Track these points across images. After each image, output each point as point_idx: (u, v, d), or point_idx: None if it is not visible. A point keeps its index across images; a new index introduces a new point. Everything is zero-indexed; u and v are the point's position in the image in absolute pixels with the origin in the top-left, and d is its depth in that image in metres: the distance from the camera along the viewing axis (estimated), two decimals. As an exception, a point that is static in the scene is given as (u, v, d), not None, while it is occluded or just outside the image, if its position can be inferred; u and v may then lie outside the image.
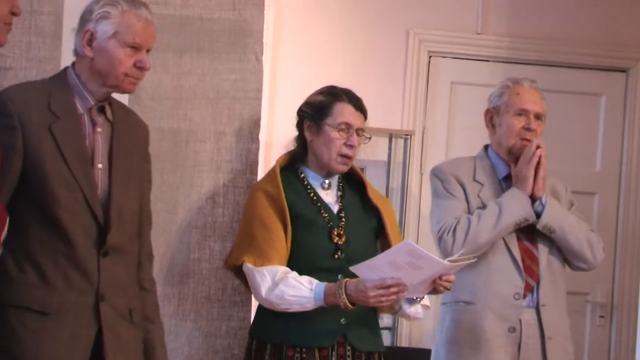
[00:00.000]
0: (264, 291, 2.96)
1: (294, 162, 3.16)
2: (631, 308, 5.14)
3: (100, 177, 2.69)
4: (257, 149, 3.36)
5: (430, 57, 5.20)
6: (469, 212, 3.46)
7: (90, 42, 2.68)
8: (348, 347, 3.00)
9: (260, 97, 3.38)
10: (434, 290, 2.98)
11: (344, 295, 2.89)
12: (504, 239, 3.43)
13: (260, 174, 3.35)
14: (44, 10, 3.07)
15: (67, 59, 3.02)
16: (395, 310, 3.12)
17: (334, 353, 2.98)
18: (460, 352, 3.46)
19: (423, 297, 3.07)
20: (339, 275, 2.97)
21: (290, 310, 2.94)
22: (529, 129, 3.47)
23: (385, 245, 3.11)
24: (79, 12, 2.71)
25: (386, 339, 4.97)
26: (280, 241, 2.99)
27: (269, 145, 4.79)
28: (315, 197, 3.09)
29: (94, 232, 2.64)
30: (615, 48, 5.28)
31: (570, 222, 3.48)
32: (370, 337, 3.08)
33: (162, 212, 3.21)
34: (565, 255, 3.51)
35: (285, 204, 3.02)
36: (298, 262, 3.00)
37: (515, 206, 3.40)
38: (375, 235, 3.16)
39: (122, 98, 2.89)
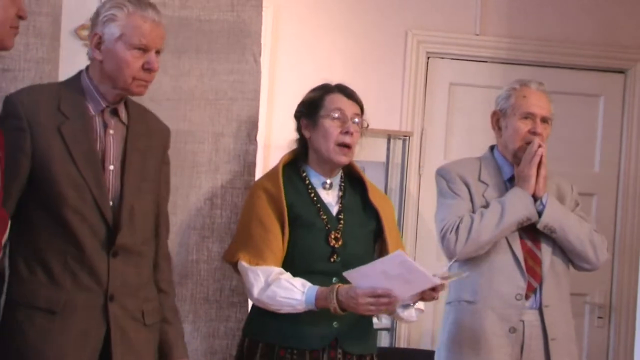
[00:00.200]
0: (256, 291, 2.96)
1: (296, 161, 3.16)
2: (629, 309, 5.14)
3: (112, 179, 2.69)
4: (255, 150, 3.36)
5: (428, 58, 5.19)
6: (473, 212, 3.45)
7: (98, 45, 2.69)
8: (339, 350, 3.00)
9: (258, 99, 3.38)
10: (422, 298, 2.97)
11: (335, 300, 2.88)
12: (506, 239, 3.43)
13: (258, 175, 3.34)
14: (42, 12, 3.07)
15: (65, 60, 3.02)
16: (390, 312, 3.11)
17: (325, 356, 2.98)
18: (460, 351, 3.46)
19: (416, 302, 3.06)
20: (334, 279, 2.96)
21: (282, 312, 2.94)
22: (535, 133, 3.46)
23: (383, 248, 3.11)
24: (77, 14, 2.72)
25: (385, 339, 4.97)
26: (277, 241, 2.99)
27: (267, 147, 4.79)
28: (315, 198, 3.09)
29: (103, 233, 2.64)
30: (613, 49, 5.29)
31: (571, 222, 3.47)
32: (363, 340, 3.07)
33: (161, 213, 3.21)
34: (568, 255, 3.50)
35: (285, 204, 3.01)
36: (294, 263, 3.00)
37: (518, 205, 3.40)
38: (374, 238, 3.16)
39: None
